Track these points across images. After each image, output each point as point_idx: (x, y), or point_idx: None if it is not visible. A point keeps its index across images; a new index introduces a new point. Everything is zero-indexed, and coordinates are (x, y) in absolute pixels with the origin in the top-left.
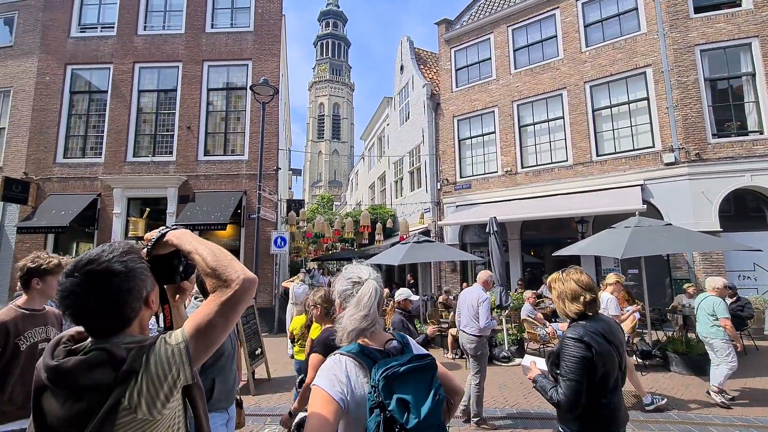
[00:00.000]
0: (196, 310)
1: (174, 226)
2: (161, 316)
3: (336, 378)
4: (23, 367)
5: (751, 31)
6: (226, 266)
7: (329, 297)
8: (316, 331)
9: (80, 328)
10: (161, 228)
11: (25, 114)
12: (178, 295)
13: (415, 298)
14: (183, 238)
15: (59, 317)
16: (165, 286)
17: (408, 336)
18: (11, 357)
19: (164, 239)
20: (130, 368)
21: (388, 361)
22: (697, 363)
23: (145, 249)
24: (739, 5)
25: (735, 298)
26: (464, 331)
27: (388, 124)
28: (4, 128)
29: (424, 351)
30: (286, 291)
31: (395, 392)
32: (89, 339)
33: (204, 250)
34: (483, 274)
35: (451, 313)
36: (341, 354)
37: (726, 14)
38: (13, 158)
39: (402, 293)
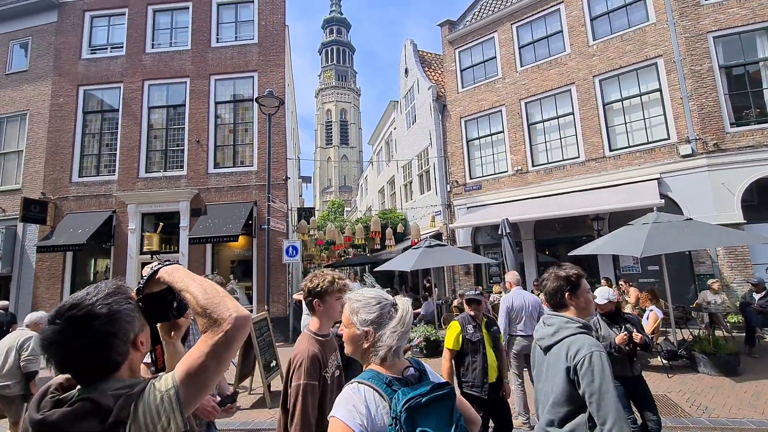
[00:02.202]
0: (188, 353)
1: (167, 262)
2: (153, 357)
3: (355, 409)
4: (329, 399)
5: (766, 15)
6: (217, 304)
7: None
8: None
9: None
10: (154, 264)
11: (41, 136)
12: (173, 332)
13: (614, 297)
14: (175, 276)
15: (337, 341)
16: (159, 325)
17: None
18: (321, 393)
19: (156, 276)
20: (117, 419)
21: (407, 391)
22: (727, 363)
23: (137, 287)
24: None
25: (764, 293)
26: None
27: (395, 128)
28: (22, 150)
29: (441, 379)
30: (298, 301)
31: (418, 425)
32: (77, 387)
33: (195, 288)
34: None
35: None
36: (359, 383)
37: None
38: (31, 179)
39: (608, 294)
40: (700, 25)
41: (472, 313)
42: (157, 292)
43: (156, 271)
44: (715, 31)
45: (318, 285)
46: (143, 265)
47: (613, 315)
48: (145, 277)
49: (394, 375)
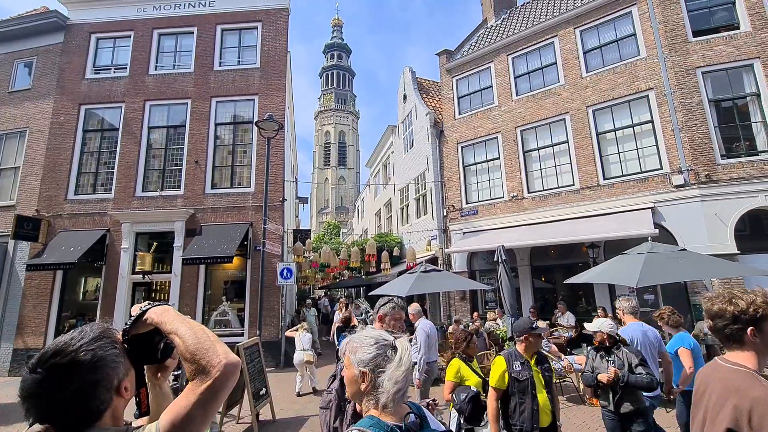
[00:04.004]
0: (173, 402)
1: (157, 303)
2: (138, 400)
3: None
4: None
5: (751, 52)
6: (207, 350)
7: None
8: None
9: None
10: (143, 305)
11: (40, 153)
12: (160, 373)
13: (609, 329)
14: (165, 317)
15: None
16: (145, 366)
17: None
18: None
19: (144, 317)
20: None
21: None
22: None
23: (124, 328)
24: (738, 28)
25: None
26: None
27: (392, 152)
28: (19, 167)
29: (441, 426)
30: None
31: None
32: None
33: (185, 332)
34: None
35: None
36: (359, 431)
37: (725, 37)
38: (26, 196)
39: (601, 324)
40: (689, 60)
41: (521, 348)
42: (144, 333)
43: (144, 312)
44: (704, 66)
45: (748, 308)
46: (134, 285)
47: (608, 347)
48: (132, 318)
49: (395, 422)
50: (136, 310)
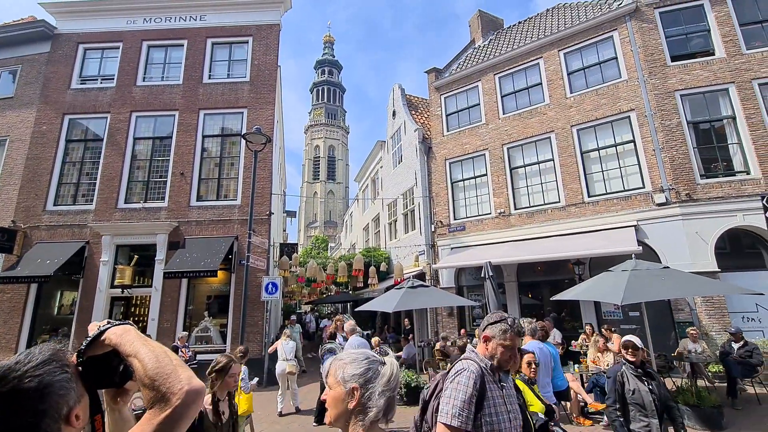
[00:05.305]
0: None
1: (118, 322)
2: (92, 428)
3: None
4: None
5: (727, 77)
6: (167, 375)
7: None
8: None
9: None
10: (102, 324)
11: (19, 162)
12: (119, 398)
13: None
14: (125, 338)
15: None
16: (103, 390)
17: None
18: None
19: (102, 338)
20: None
21: None
22: (710, 416)
23: (79, 349)
24: (713, 54)
25: (742, 343)
26: None
27: (381, 167)
28: None
29: None
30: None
31: None
32: None
33: (146, 355)
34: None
35: (449, 363)
36: None
37: (701, 62)
38: (3, 206)
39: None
40: (668, 83)
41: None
42: (101, 354)
43: (102, 332)
44: (682, 89)
45: None
46: (113, 299)
47: (643, 368)
48: (89, 338)
49: None
50: (93, 329)
